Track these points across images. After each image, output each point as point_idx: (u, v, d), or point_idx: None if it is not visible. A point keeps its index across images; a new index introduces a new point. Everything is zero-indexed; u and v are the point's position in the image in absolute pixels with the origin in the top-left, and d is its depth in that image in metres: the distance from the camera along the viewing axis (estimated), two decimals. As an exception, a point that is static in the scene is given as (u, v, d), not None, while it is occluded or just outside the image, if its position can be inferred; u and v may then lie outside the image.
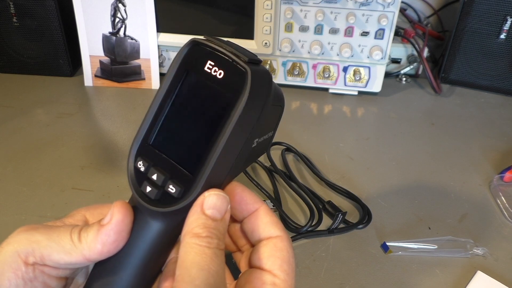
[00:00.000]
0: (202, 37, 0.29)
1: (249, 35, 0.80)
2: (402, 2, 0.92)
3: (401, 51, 0.89)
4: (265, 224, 0.30)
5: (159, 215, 0.28)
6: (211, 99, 0.28)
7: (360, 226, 0.54)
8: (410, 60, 0.89)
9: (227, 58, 0.27)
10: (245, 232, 0.31)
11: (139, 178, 0.29)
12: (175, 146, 0.29)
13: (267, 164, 0.64)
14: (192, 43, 0.29)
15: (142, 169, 0.29)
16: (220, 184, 0.29)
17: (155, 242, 0.29)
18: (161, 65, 0.86)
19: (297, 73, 0.83)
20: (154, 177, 0.28)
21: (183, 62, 0.29)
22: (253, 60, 0.27)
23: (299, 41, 0.79)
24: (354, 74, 0.82)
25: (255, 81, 0.26)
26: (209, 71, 0.27)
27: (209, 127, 0.27)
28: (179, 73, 0.29)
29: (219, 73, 0.27)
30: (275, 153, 0.67)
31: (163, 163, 0.28)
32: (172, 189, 0.27)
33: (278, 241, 0.29)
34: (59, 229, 0.27)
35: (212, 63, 0.27)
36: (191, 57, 0.29)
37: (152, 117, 0.29)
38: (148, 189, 0.28)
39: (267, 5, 0.76)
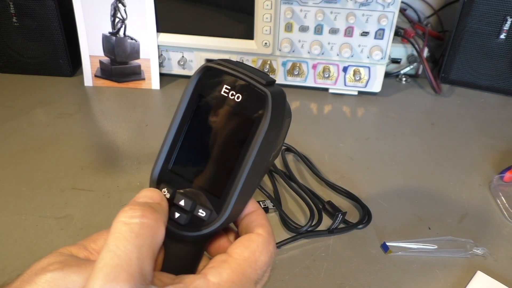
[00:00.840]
0: (214, 61, 0.29)
1: (249, 35, 0.80)
2: (402, 2, 0.92)
3: (401, 51, 0.89)
4: (250, 222, 0.30)
5: (188, 237, 0.29)
6: (231, 122, 0.28)
7: (360, 226, 0.54)
8: (410, 60, 0.89)
9: (244, 82, 0.28)
10: (239, 233, 0.32)
11: None
12: (198, 170, 0.29)
13: (267, 164, 0.63)
14: (205, 68, 0.29)
15: (168, 196, 0.30)
16: (247, 200, 0.30)
17: (183, 261, 0.29)
18: (161, 65, 0.86)
19: (297, 73, 0.83)
20: (182, 203, 0.29)
21: (197, 87, 0.29)
22: (270, 82, 0.28)
23: (299, 41, 0.79)
24: (354, 74, 0.82)
25: (275, 103, 0.27)
26: (226, 95, 0.28)
27: (233, 150, 0.28)
28: (193, 98, 0.29)
29: (237, 97, 0.28)
30: (275, 153, 0.67)
31: (187, 188, 0.29)
32: (202, 213, 0.29)
33: (254, 235, 0.29)
34: (89, 266, 0.26)
35: (229, 87, 0.28)
36: (206, 82, 0.29)
37: (170, 143, 0.30)
38: (177, 215, 0.29)
39: (267, 5, 0.76)
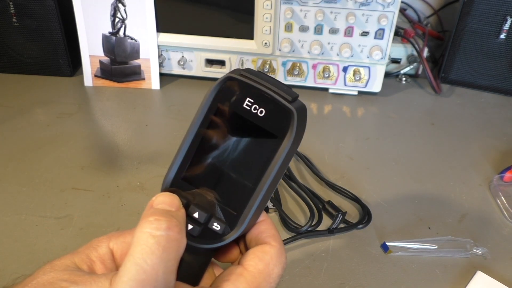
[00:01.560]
0: (235, 71, 0.28)
1: (249, 35, 0.80)
2: (402, 2, 0.92)
3: (401, 51, 0.89)
4: (261, 232, 0.30)
5: (200, 249, 0.29)
6: (252, 136, 0.28)
7: (360, 226, 0.54)
8: (410, 60, 0.89)
9: (269, 96, 0.27)
10: (247, 241, 0.32)
11: None
12: (213, 182, 0.29)
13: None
14: (227, 78, 0.28)
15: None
16: (260, 213, 0.30)
17: (191, 270, 0.29)
18: (161, 65, 0.86)
19: (297, 73, 0.83)
20: (196, 215, 0.28)
21: (217, 97, 0.29)
22: (295, 98, 0.27)
23: (299, 41, 0.79)
24: (354, 74, 0.82)
25: (299, 120, 0.27)
26: (248, 108, 0.27)
27: (253, 165, 0.28)
28: (212, 107, 0.29)
29: (260, 111, 0.27)
30: (275, 153, 0.67)
31: (202, 200, 0.29)
32: (216, 226, 0.28)
33: (267, 247, 0.29)
34: (97, 282, 0.25)
35: (252, 100, 0.27)
36: (227, 93, 0.28)
37: (186, 151, 0.29)
38: (190, 226, 0.28)
39: (267, 5, 0.76)
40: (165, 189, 0.29)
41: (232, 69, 0.28)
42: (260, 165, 0.27)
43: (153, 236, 0.24)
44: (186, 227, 0.28)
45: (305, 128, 0.29)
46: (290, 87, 0.28)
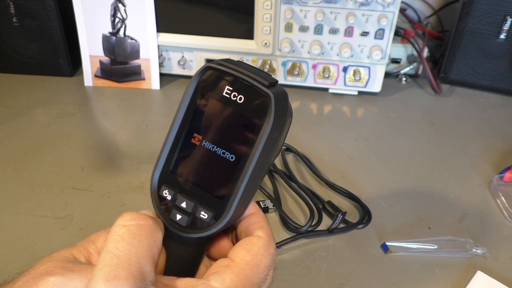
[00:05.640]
0: (215, 61, 0.29)
1: (249, 35, 0.80)
2: (402, 2, 0.92)
3: (401, 51, 0.89)
4: (250, 224, 0.30)
5: (190, 239, 0.29)
6: (233, 123, 0.28)
7: (360, 226, 0.54)
8: (410, 60, 0.89)
9: (246, 83, 0.27)
10: (237, 234, 0.32)
11: (166, 206, 0.29)
12: (199, 172, 0.29)
13: (267, 164, 0.63)
14: (206, 68, 0.29)
15: (169, 197, 0.29)
16: (249, 202, 0.30)
17: (184, 263, 0.29)
18: (161, 65, 0.86)
19: (297, 73, 0.83)
20: (183, 204, 0.29)
21: (198, 87, 0.29)
22: (272, 83, 0.27)
23: (299, 41, 0.79)
24: (354, 74, 0.82)
25: (278, 104, 0.27)
26: (228, 96, 0.28)
27: (234, 151, 0.28)
28: (194, 99, 0.29)
29: (239, 98, 0.28)
30: (275, 153, 0.67)
31: (189, 189, 0.29)
32: (204, 215, 0.28)
33: (254, 238, 0.29)
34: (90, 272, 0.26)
35: (231, 88, 0.28)
36: (207, 83, 0.29)
37: (171, 144, 0.30)
38: (178, 216, 0.29)
39: (267, 5, 0.76)
40: (153, 183, 0.30)
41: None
42: (243, 152, 0.28)
43: (124, 226, 0.25)
44: (175, 217, 0.29)
45: (287, 114, 0.29)
46: (270, 74, 0.28)
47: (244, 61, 0.82)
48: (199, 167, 0.29)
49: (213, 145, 0.29)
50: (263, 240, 0.29)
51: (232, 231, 0.33)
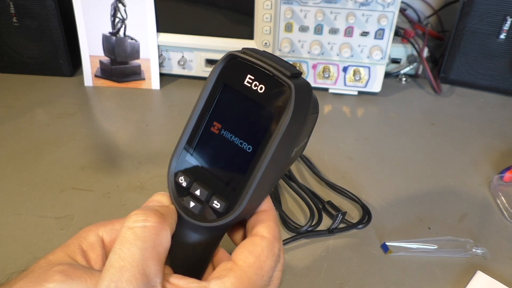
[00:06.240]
0: (239, 50, 0.29)
1: (249, 35, 0.80)
2: (402, 2, 0.92)
3: (401, 51, 0.89)
4: (258, 222, 0.30)
5: (201, 228, 0.29)
6: (252, 113, 0.28)
7: (360, 226, 0.54)
8: (410, 60, 0.89)
9: (268, 72, 0.27)
10: (246, 231, 0.31)
11: (181, 193, 0.29)
12: (216, 161, 0.29)
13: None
14: (229, 56, 0.29)
15: (184, 184, 0.29)
16: (263, 196, 0.30)
17: (195, 254, 0.29)
18: (161, 65, 0.86)
19: (297, 73, 0.82)
20: (197, 192, 0.29)
21: (220, 75, 0.29)
22: (295, 74, 0.27)
23: (299, 41, 0.79)
24: (354, 74, 0.82)
25: (299, 96, 0.26)
26: (249, 85, 0.27)
27: (252, 142, 0.27)
28: (216, 86, 0.29)
29: (260, 88, 0.27)
30: (275, 153, 0.67)
31: (204, 178, 0.29)
32: (216, 204, 0.28)
33: (257, 239, 0.28)
34: (92, 278, 0.26)
35: (252, 77, 0.27)
36: (229, 71, 0.29)
37: (190, 131, 0.30)
38: (192, 204, 0.29)
39: (267, 5, 0.76)
40: (171, 169, 0.30)
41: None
42: (260, 144, 0.27)
43: (129, 228, 0.26)
44: (188, 204, 0.29)
45: (310, 108, 0.28)
46: (294, 66, 0.27)
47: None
48: (217, 156, 0.29)
49: (231, 135, 0.28)
50: (266, 241, 0.28)
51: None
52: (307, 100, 0.28)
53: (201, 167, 0.29)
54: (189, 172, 0.29)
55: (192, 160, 0.30)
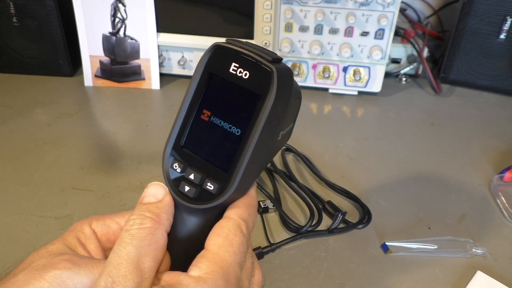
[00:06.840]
0: (223, 40, 0.30)
1: (249, 35, 0.80)
2: (402, 2, 0.92)
3: (401, 51, 0.89)
4: (231, 206, 0.31)
5: (198, 211, 0.30)
6: (239, 98, 0.29)
7: (360, 226, 0.54)
8: (410, 60, 0.89)
9: (251, 59, 0.29)
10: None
11: (176, 179, 0.31)
12: (207, 146, 0.31)
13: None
14: (215, 47, 0.30)
15: (178, 170, 0.31)
16: (253, 177, 0.32)
17: (192, 236, 0.31)
18: (161, 65, 0.86)
19: (297, 73, 0.83)
20: (191, 176, 0.30)
21: (207, 65, 0.31)
22: (276, 59, 0.29)
23: (299, 41, 0.79)
24: (354, 74, 0.82)
25: (280, 79, 0.28)
26: (234, 72, 0.29)
27: (240, 125, 0.29)
28: (204, 76, 0.31)
29: (245, 74, 0.29)
30: (275, 153, 0.67)
31: (197, 163, 0.31)
32: (210, 186, 0.30)
33: (223, 221, 0.30)
34: (96, 267, 0.29)
35: (237, 65, 0.29)
36: (215, 61, 0.30)
37: (182, 120, 0.31)
38: (187, 188, 0.30)
39: (267, 5, 0.76)
40: (165, 158, 0.32)
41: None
42: (248, 126, 0.29)
43: (126, 231, 0.28)
44: (184, 189, 0.30)
45: (292, 91, 0.30)
46: (275, 52, 0.29)
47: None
48: (208, 141, 0.31)
49: (220, 120, 0.30)
50: (232, 221, 0.30)
51: None
52: (288, 82, 0.30)
53: (194, 153, 0.31)
54: (183, 159, 0.31)
55: (185, 148, 0.31)
